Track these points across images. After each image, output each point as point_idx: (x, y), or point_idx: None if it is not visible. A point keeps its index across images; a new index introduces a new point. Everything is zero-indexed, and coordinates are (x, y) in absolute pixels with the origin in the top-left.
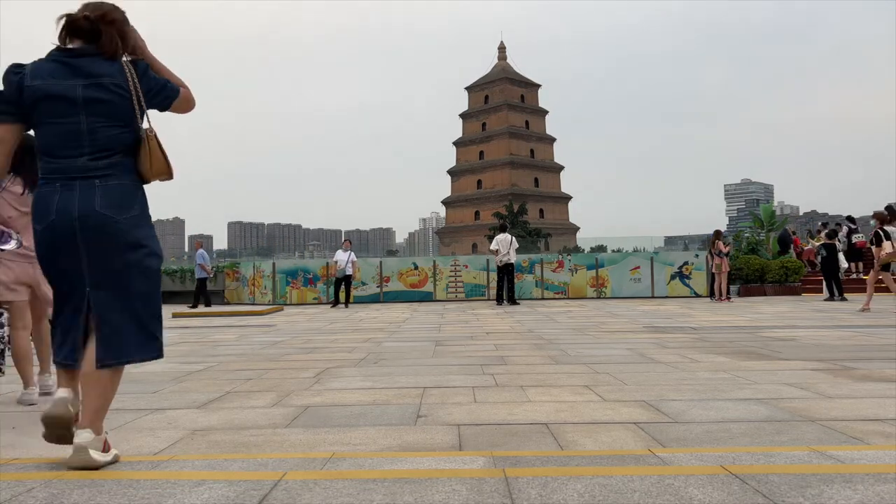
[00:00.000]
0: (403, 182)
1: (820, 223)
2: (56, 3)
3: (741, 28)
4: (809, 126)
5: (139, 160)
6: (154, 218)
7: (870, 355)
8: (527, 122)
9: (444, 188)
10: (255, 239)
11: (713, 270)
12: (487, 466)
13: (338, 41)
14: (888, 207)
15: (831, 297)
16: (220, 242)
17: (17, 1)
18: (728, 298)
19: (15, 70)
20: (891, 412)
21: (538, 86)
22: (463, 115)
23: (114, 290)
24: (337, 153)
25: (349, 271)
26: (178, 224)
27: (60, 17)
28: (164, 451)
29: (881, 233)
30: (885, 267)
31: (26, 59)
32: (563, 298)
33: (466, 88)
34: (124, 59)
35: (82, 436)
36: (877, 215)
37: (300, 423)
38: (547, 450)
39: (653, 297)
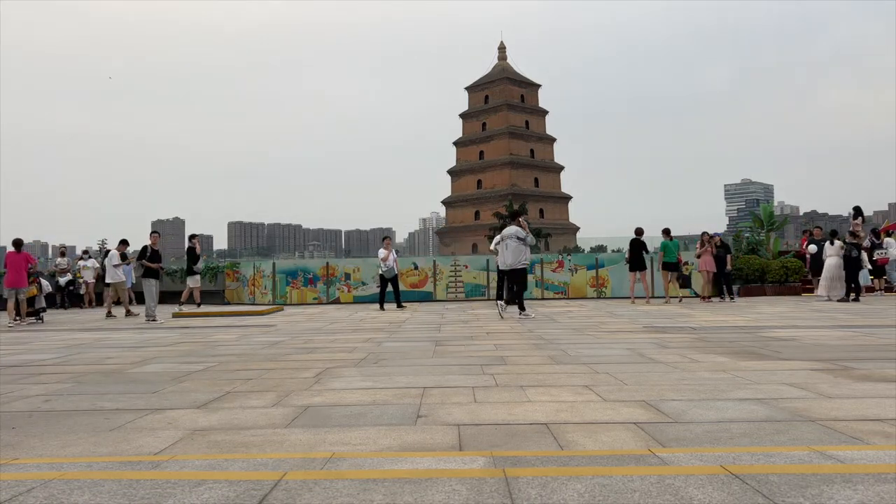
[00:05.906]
0: (403, 182)
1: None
2: (56, 3)
3: (742, 27)
4: (810, 126)
5: None
6: (154, 218)
7: (870, 355)
8: (527, 122)
9: (444, 188)
10: (255, 239)
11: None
12: (487, 466)
13: (338, 40)
14: (855, 208)
15: (856, 298)
16: (221, 242)
17: (17, 1)
18: (706, 299)
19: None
20: (891, 412)
21: (538, 86)
22: (463, 115)
23: None
24: (337, 152)
25: (397, 270)
26: (178, 224)
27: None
28: (164, 451)
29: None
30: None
31: (26, 59)
32: (564, 298)
33: (466, 88)
34: None
35: None
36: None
37: (300, 423)
38: (547, 450)
39: (653, 297)
